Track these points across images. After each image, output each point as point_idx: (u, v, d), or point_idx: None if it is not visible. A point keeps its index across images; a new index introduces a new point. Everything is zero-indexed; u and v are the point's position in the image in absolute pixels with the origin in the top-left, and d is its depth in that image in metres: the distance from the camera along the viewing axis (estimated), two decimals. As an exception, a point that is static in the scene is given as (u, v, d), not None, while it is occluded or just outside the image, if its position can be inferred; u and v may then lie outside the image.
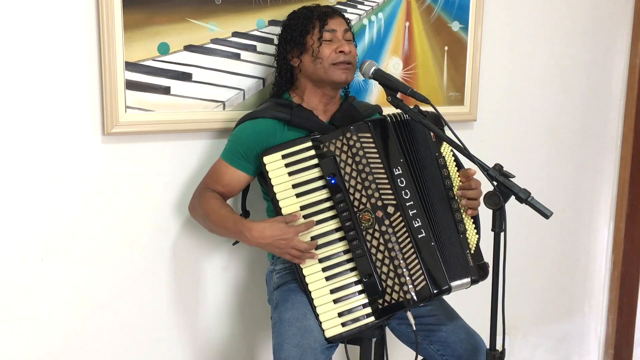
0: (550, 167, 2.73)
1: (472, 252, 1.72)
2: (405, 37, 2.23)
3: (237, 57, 1.92)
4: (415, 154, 1.73)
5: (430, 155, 1.75)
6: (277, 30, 1.91)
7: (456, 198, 1.73)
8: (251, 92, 1.96)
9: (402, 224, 1.67)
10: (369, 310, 1.66)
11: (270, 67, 1.96)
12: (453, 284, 1.67)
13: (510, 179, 1.53)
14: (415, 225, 1.67)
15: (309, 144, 1.69)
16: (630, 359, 3.00)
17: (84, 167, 1.78)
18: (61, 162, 1.75)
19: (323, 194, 1.68)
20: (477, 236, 1.74)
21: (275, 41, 1.89)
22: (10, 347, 1.74)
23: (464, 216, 1.74)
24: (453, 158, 1.77)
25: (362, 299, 1.66)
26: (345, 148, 1.68)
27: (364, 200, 1.67)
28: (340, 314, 1.65)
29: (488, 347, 1.59)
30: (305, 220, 1.66)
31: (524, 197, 1.50)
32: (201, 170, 1.90)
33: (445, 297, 1.77)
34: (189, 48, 1.85)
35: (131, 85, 1.78)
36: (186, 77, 1.86)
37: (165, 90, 1.83)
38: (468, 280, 1.69)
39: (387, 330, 1.88)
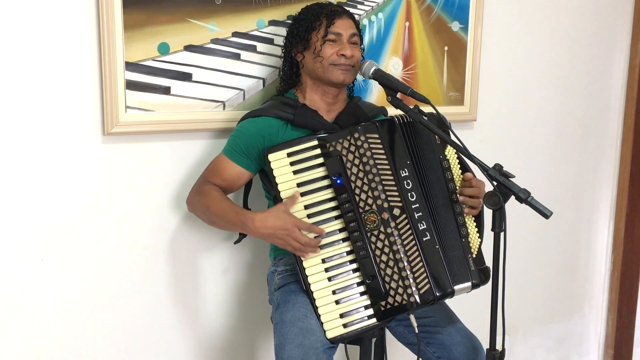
0: (550, 167, 2.73)
1: (474, 256, 1.70)
2: (405, 37, 2.23)
3: (237, 57, 1.92)
4: (421, 155, 1.71)
5: (434, 158, 1.73)
6: (277, 30, 1.91)
7: (459, 201, 1.72)
8: (251, 92, 1.96)
9: (408, 226, 1.66)
10: (371, 312, 1.65)
11: (270, 67, 1.97)
12: (456, 287, 1.66)
13: (510, 179, 1.53)
14: (421, 228, 1.66)
15: (315, 142, 1.68)
16: (630, 359, 3.00)
17: (84, 167, 1.78)
18: (61, 162, 1.75)
19: (328, 194, 1.67)
20: (479, 240, 1.73)
21: (281, 39, 1.89)
22: (10, 347, 1.74)
23: (466, 220, 1.72)
24: (457, 161, 1.75)
25: (365, 300, 1.65)
26: (352, 148, 1.67)
27: (369, 201, 1.65)
28: (342, 315, 1.64)
29: (488, 347, 1.59)
30: (310, 222, 1.64)
31: (524, 197, 1.50)
32: (201, 170, 1.89)
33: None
34: (189, 48, 1.85)
35: (131, 85, 1.78)
36: (186, 77, 1.86)
37: (166, 90, 1.83)
38: (469, 284, 1.68)
39: (387, 330, 1.88)
